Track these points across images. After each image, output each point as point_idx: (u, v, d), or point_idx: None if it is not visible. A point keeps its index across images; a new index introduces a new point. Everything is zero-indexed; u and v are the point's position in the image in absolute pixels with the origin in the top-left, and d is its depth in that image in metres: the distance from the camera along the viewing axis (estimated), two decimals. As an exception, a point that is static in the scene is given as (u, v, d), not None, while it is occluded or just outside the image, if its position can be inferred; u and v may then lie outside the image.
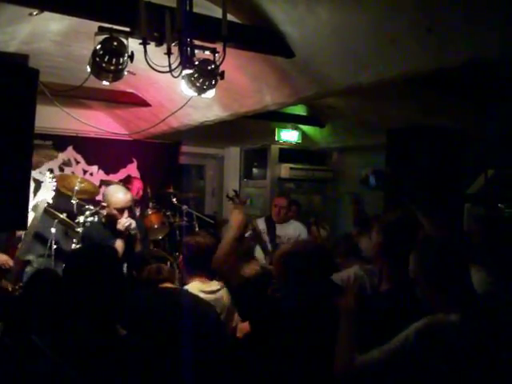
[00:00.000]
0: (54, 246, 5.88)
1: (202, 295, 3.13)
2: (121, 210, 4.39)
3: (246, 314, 3.15)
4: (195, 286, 3.25)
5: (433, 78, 4.50)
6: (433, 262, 2.20)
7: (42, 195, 4.68)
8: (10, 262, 4.34)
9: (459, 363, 2.05)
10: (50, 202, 4.76)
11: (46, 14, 3.56)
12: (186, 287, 3.26)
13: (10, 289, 4.31)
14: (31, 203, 4.72)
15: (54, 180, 4.74)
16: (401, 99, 5.50)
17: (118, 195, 4.47)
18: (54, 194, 4.76)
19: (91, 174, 7.39)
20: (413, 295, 2.31)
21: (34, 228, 4.69)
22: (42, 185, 4.77)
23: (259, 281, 2.85)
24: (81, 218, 5.86)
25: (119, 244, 4.28)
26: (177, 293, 3.03)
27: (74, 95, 5.10)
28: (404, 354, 2.10)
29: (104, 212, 4.77)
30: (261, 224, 5.64)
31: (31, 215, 4.66)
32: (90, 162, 7.42)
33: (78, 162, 7.33)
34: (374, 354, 2.18)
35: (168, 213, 7.00)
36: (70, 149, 7.25)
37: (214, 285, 3.34)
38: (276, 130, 7.70)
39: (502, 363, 2.08)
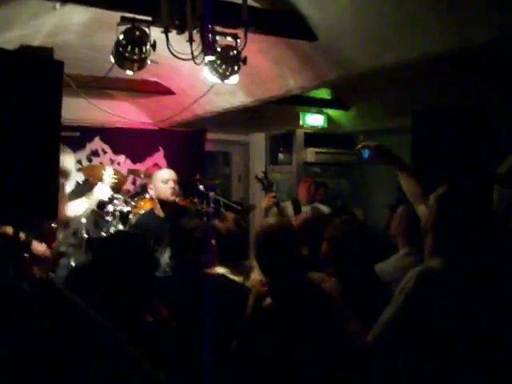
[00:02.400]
0: (85, 236, 5.98)
1: None
2: (165, 181, 4.43)
3: None
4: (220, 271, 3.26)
5: (458, 58, 4.45)
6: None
7: (98, 190, 4.75)
8: (47, 253, 4.42)
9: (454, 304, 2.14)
10: (104, 199, 4.83)
11: (69, 7, 3.60)
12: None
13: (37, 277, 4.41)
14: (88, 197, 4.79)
15: (114, 177, 4.82)
16: (426, 80, 5.43)
17: (160, 172, 4.58)
18: (110, 191, 4.85)
19: (118, 164, 7.46)
20: None
21: (76, 221, 4.78)
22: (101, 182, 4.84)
23: None
24: (110, 208, 5.94)
25: None
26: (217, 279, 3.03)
27: (98, 86, 5.16)
28: (407, 305, 2.16)
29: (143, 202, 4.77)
30: (288, 207, 5.66)
31: (82, 207, 4.75)
32: (117, 152, 7.50)
33: (105, 152, 7.42)
34: (379, 323, 2.22)
35: (195, 200, 7.04)
36: (97, 139, 7.34)
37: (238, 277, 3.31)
38: (301, 114, 7.67)
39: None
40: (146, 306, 2.24)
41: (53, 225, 4.56)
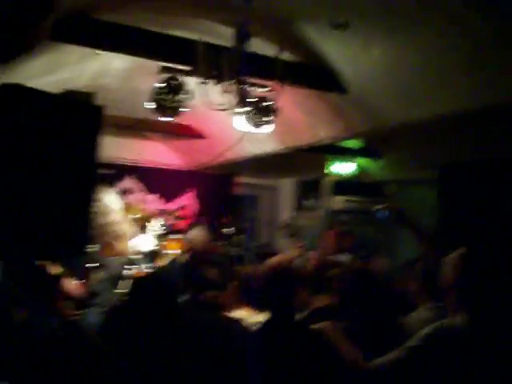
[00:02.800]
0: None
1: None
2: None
3: None
4: (241, 315, 3.30)
5: (489, 112, 4.48)
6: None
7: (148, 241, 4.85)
8: (79, 292, 4.49)
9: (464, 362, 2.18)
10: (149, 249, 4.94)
11: (111, 53, 3.78)
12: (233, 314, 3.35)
13: (68, 312, 4.46)
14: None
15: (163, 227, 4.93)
16: (457, 133, 5.46)
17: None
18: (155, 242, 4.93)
19: (149, 203, 7.59)
20: None
21: (114, 270, 4.86)
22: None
23: None
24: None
25: None
26: (230, 322, 3.08)
27: (135, 127, 5.32)
28: (414, 353, 2.24)
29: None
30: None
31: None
32: (148, 191, 7.63)
33: (136, 191, 7.55)
34: (389, 355, 2.31)
35: (224, 243, 7.10)
36: (129, 178, 7.49)
37: (260, 317, 3.36)
38: (329, 161, 7.73)
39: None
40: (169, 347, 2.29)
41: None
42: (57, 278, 4.24)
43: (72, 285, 4.43)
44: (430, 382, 2.24)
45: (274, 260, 3.13)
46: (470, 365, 2.18)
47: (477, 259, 2.34)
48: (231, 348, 2.74)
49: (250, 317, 3.31)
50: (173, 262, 4.82)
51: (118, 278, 5.66)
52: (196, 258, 4.30)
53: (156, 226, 4.88)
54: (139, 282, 2.84)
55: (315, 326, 2.67)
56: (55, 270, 4.09)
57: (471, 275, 2.30)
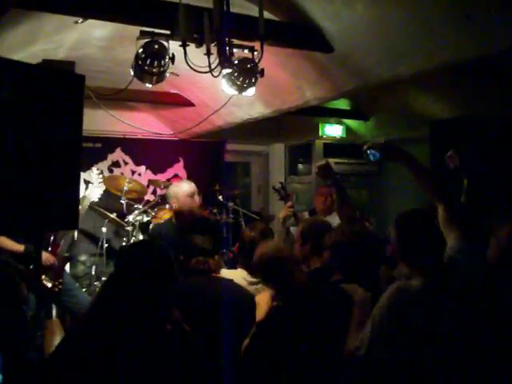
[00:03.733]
0: (106, 245, 6.07)
1: (244, 283, 3.22)
2: (192, 195, 4.45)
3: None
4: (239, 273, 3.34)
5: (475, 67, 4.44)
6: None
7: (87, 193, 4.80)
8: (51, 260, 4.50)
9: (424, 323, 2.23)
10: (95, 200, 4.88)
11: (91, 21, 3.69)
12: (231, 271, 3.40)
13: (49, 285, 4.47)
14: None
15: (101, 177, 4.86)
16: (444, 90, 5.43)
17: (185, 185, 4.56)
18: (100, 191, 4.88)
19: (139, 175, 7.56)
20: None
21: None
22: (91, 184, 4.89)
23: None
24: (130, 217, 6.03)
25: None
26: (221, 282, 3.10)
27: (120, 98, 5.25)
28: (381, 324, 2.27)
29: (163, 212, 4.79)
30: (305, 217, 5.66)
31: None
32: (137, 163, 7.60)
33: (126, 163, 7.52)
34: (363, 335, 2.33)
35: (214, 210, 7.10)
36: (118, 150, 7.45)
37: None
38: (320, 125, 7.70)
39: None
40: (166, 314, 2.28)
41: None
42: (29, 253, 4.25)
43: (44, 255, 4.43)
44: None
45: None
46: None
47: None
48: (222, 306, 2.77)
49: (247, 276, 3.33)
50: (167, 223, 4.80)
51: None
52: (183, 224, 4.28)
53: (95, 174, 4.80)
54: (128, 250, 2.82)
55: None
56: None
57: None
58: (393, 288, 2.31)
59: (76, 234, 6.39)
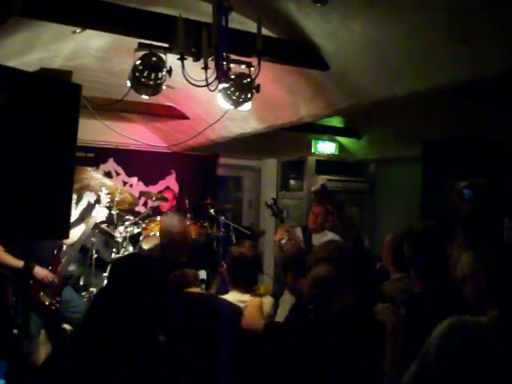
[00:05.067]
0: (95, 256, 6.03)
1: (241, 305, 3.16)
2: None
3: None
4: (233, 296, 3.28)
5: (470, 89, 4.48)
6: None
7: (96, 212, 4.82)
8: (50, 277, 4.47)
9: (483, 364, 1.92)
10: (102, 219, 4.90)
11: (88, 32, 3.71)
12: (226, 296, 3.32)
13: (46, 303, 4.44)
14: (76, 217, 4.89)
15: (109, 198, 4.89)
16: (438, 111, 5.47)
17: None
18: (107, 211, 4.91)
19: (131, 186, 7.55)
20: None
21: (80, 243, 4.84)
22: (97, 204, 4.92)
23: None
24: (121, 229, 6.00)
25: None
26: (199, 296, 3.10)
27: (114, 109, 5.25)
28: (429, 358, 1.99)
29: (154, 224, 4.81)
30: (297, 233, 5.66)
31: (81, 230, 4.81)
32: (129, 174, 7.59)
33: (118, 174, 7.51)
34: (410, 368, 2.09)
35: (205, 224, 7.08)
36: (110, 161, 7.44)
37: (246, 297, 3.32)
38: (312, 141, 7.74)
39: None
40: (158, 324, 2.27)
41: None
42: (28, 269, 4.23)
43: (42, 272, 4.41)
44: None
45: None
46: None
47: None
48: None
49: (243, 297, 3.26)
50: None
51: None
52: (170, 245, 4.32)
53: (104, 194, 4.85)
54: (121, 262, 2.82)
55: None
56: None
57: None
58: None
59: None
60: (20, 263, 4.30)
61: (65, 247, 4.87)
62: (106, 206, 4.98)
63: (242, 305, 3.18)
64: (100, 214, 4.84)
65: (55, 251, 4.67)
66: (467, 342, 1.94)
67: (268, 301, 3.44)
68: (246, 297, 3.27)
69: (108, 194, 4.93)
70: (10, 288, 4.28)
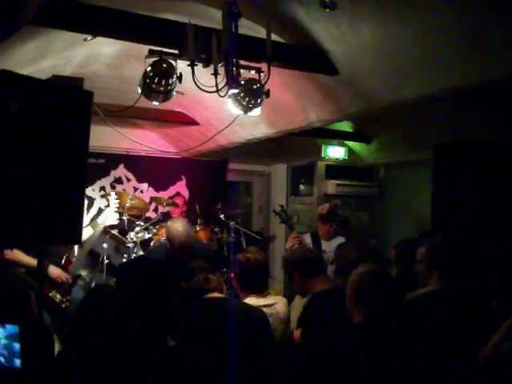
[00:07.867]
0: (106, 261, 6.06)
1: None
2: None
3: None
4: (251, 301, 3.25)
5: (480, 94, 4.48)
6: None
7: (105, 216, 4.85)
8: (63, 277, 4.52)
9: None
10: (112, 223, 4.93)
11: (99, 39, 3.74)
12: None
13: (57, 300, 4.50)
14: (87, 220, 4.93)
15: (118, 202, 4.91)
16: (447, 114, 5.47)
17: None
18: (117, 216, 4.94)
19: (141, 192, 7.58)
20: None
21: (89, 245, 4.87)
22: (107, 208, 4.95)
23: None
24: (131, 234, 6.03)
25: None
26: (225, 301, 3.10)
27: (125, 115, 5.28)
28: None
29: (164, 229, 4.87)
30: (307, 239, 5.65)
31: (89, 232, 4.84)
32: (140, 180, 7.62)
33: (128, 180, 7.55)
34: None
35: (216, 229, 7.09)
36: (121, 167, 7.48)
37: (269, 299, 3.36)
38: (322, 146, 7.74)
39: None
40: (169, 328, 2.27)
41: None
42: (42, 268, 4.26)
43: (56, 271, 4.47)
44: None
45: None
46: None
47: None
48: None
49: (260, 301, 3.27)
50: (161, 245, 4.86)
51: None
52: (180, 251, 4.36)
53: (113, 199, 4.88)
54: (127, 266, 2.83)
55: None
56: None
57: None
58: None
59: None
60: (34, 262, 4.34)
61: (76, 248, 4.92)
62: (117, 212, 4.98)
63: (265, 309, 3.19)
64: (109, 217, 4.86)
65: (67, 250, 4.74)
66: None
67: (284, 302, 3.46)
68: (263, 301, 3.28)
69: (118, 199, 4.93)
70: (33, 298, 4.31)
